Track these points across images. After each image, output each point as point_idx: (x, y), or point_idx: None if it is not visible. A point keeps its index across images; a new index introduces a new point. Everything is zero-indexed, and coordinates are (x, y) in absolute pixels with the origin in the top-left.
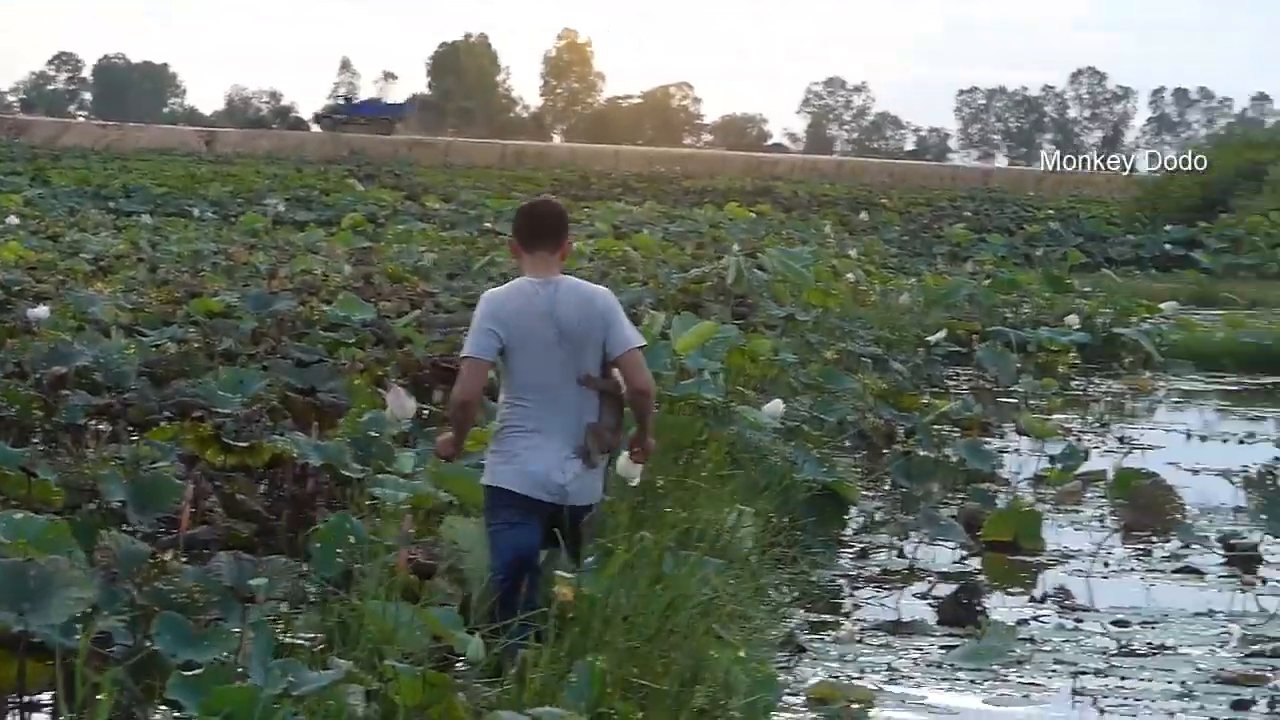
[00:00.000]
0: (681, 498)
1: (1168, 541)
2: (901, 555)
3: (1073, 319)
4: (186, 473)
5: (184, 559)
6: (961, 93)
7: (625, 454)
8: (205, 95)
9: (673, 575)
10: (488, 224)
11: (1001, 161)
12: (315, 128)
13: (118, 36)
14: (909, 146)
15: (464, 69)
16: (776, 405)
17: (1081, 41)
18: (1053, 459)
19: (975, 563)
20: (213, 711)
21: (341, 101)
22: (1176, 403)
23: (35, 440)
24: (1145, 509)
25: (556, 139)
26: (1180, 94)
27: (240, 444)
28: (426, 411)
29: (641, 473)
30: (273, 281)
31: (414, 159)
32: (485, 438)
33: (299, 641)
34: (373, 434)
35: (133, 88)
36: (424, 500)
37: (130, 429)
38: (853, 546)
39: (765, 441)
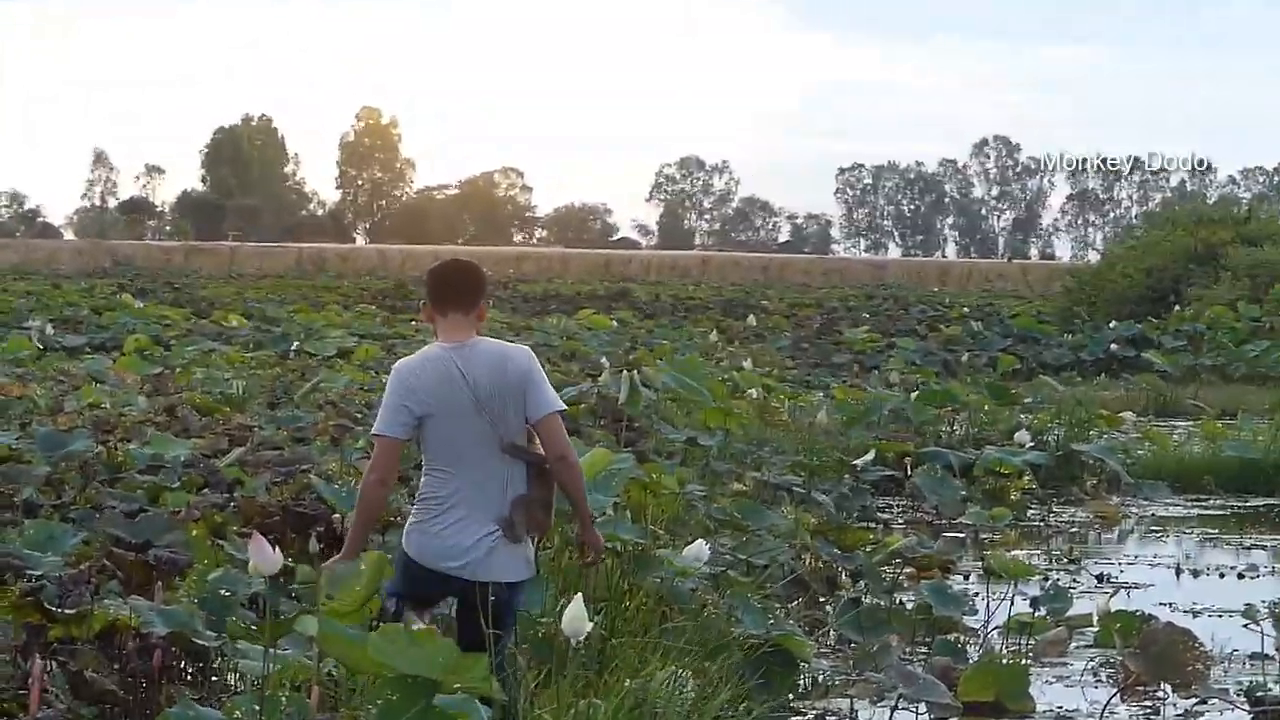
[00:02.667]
0: (609, 657)
1: (1181, 698)
2: None
3: (1022, 436)
4: (30, 645)
5: None
6: (843, 171)
7: (571, 608)
8: None
9: None
10: (297, 343)
11: (895, 251)
12: (69, 234)
13: None
14: (784, 237)
15: (245, 159)
16: (700, 547)
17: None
18: (1033, 602)
19: None
20: None
21: None
22: (1153, 531)
23: None
24: (1159, 660)
25: (360, 239)
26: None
27: (65, 611)
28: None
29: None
30: (59, 418)
31: (192, 268)
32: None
33: None
34: (225, 594)
35: None
36: (302, 673)
37: None
38: (805, 713)
39: (693, 590)
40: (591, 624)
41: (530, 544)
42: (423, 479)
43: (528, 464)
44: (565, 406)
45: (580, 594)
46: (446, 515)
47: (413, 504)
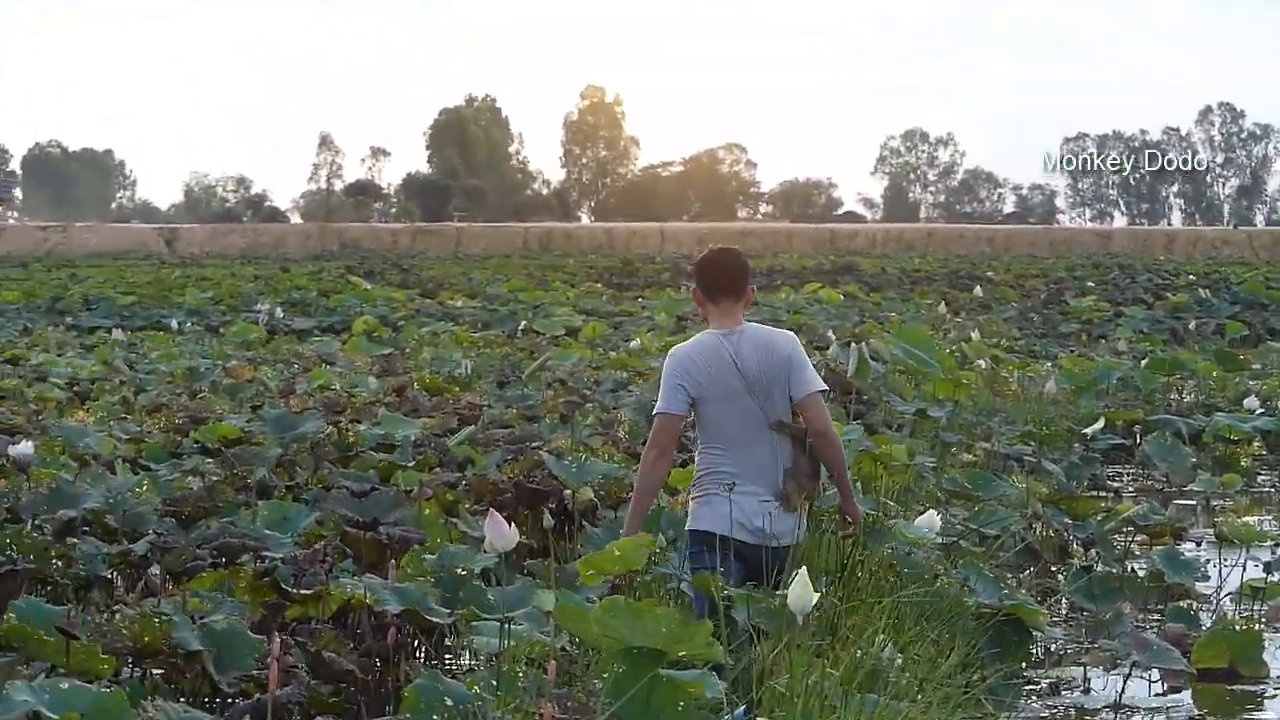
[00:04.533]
0: (843, 628)
1: None
2: (1088, 690)
3: (1251, 402)
4: (268, 624)
5: None
6: (1067, 140)
7: (795, 583)
8: (160, 185)
9: None
10: (524, 322)
11: (1120, 221)
12: (296, 218)
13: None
14: (1009, 208)
15: (469, 140)
16: (932, 518)
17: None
18: (1266, 568)
19: (1186, 695)
20: None
21: None
22: None
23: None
24: None
25: (584, 217)
26: None
27: (302, 591)
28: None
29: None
30: (290, 400)
31: (419, 250)
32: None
33: None
34: (459, 572)
35: (72, 180)
36: (533, 647)
37: (166, 579)
38: (1038, 682)
39: (926, 560)
40: (819, 595)
41: (802, 510)
42: (699, 457)
43: (793, 439)
44: (826, 387)
45: (805, 568)
46: (731, 489)
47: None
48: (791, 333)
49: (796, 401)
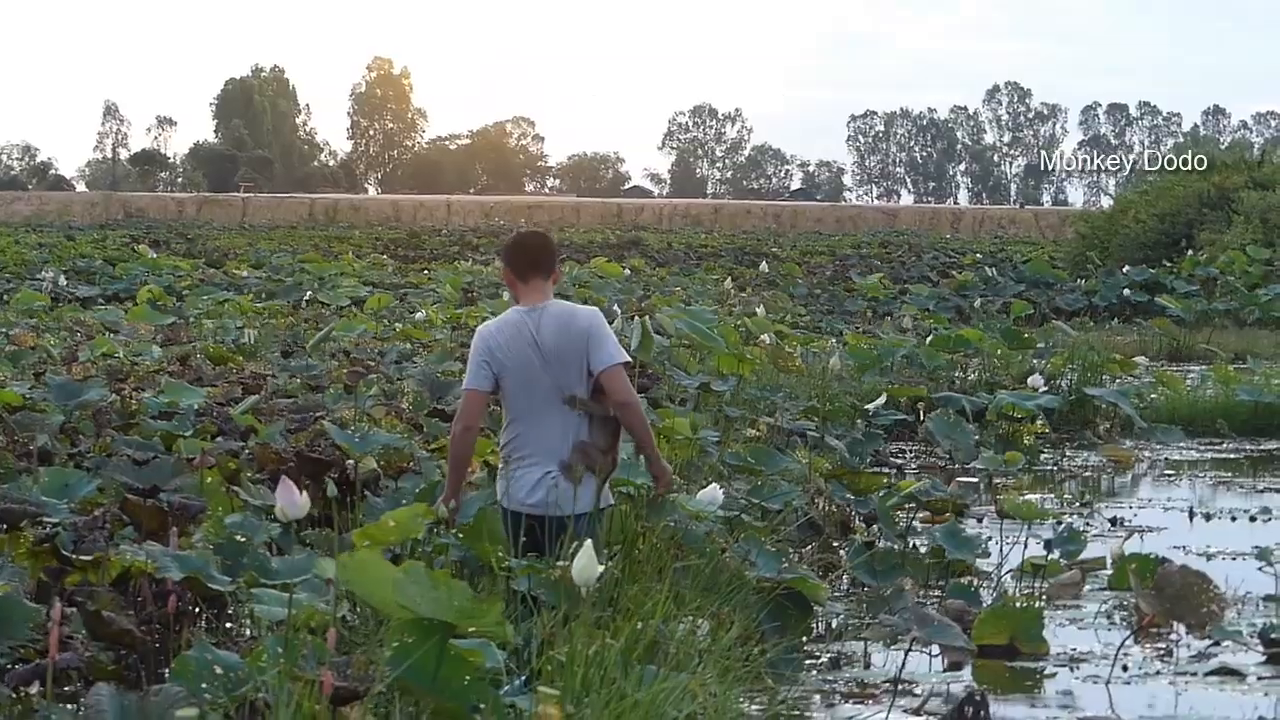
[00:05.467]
0: (624, 600)
1: (1194, 640)
2: (869, 665)
3: (1035, 380)
4: (48, 589)
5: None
6: (854, 118)
7: (579, 556)
8: None
9: (644, 694)
10: (310, 292)
11: (907, 199)
12: (81, 187)
13: None
14: (796, 185)
15: (256, 110)
16: (714, 491)
17: (994, 53)
18: (1047, 545)
19: (965, 671)
20: None
21: None
22: (1166, 475)
23: None
24: (1174, 602)
25: (371, 189)
26: (1117, 110)
27: (82, 557)
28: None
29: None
30: (73, 367)
31: (205, 220)
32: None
33: None
34: (239, 539)
35: None
36: (314, 615)
37: None
38: (818, 656)
39: (707, 534)
40: (603, 568)
41: (594, 482)
42: (502, 437)
43: (588, 413)
44: (628, 358)
45: (590, 541)
46: (519, 462)
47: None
48: (595, 308)
49: (597, 374)
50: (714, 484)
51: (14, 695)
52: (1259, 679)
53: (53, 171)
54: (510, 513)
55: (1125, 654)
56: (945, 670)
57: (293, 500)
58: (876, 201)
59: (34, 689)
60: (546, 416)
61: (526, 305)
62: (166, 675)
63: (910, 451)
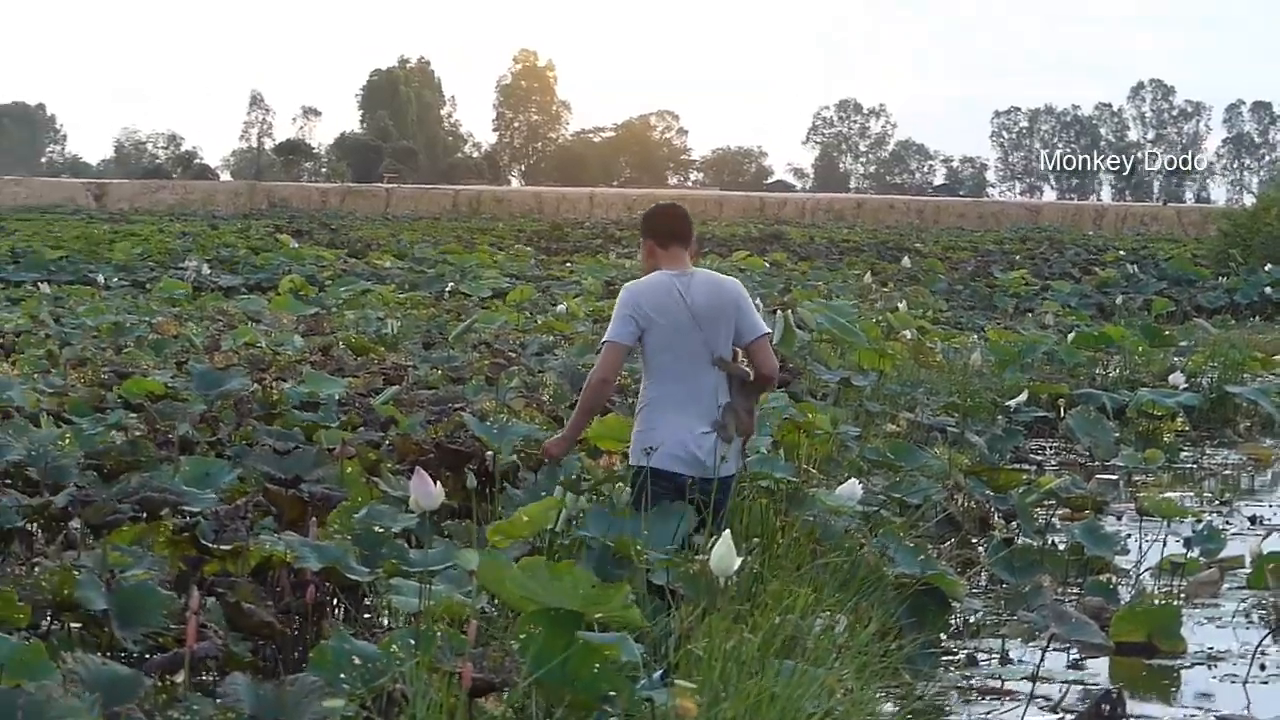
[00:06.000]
0: (763, 595)
1: None
2: (1006, 661)
3: (1176, 378)
4: (187, 578)
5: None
6: (998, 114)
7: (718, 546)
8: (90, 140)
9: (781, 687)
10: (452, 284)
11: (1050, 195)
12: (225, 176)
13: None
14: (939, 180)
15: (401, 101)
16: (853, 486)
17: (1138, 50)
18: (1186, 543)
19: (1102, 668)
20: None
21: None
22: None
23: None
24: None
25: (515, 181)
26: (1261, 108)
27: (221, 546)
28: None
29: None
30: (215, 357)
31: (348, 210)
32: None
33: None
34: (378, 529)
35: (2, 134)
36: (451, 607)
37: (87, 532)
38: (956, 652)
39: (846, 529)
40: (741, 560)
41: (739, 445)
42: (642, 390)
43: (730, 376)
44: (770, 330)
45: (728, 531)
46: (666, 419)
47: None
48: (738, 280)
49: (745, 343)
50: (853, 479)
51: (157, 684)
52: None
53: (197, 161)
54: (654, 470)
55: (1263, 653)
56: (1082, 667)
57: (427, 491)
58: (1019, 197)
59: (174, 678)
60: (694, 376)
61: (670, 270)
62: (304, 665)
63: (1050, 448)
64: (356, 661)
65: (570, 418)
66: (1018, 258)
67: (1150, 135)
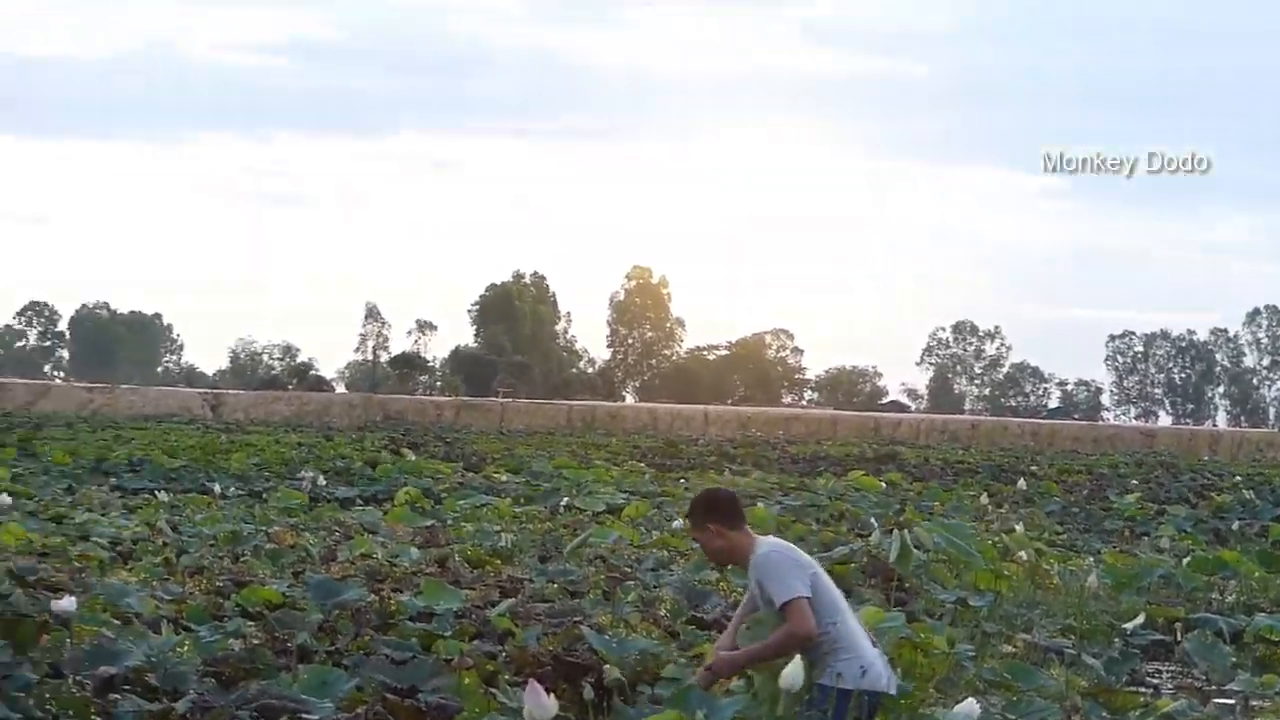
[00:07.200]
0: None
1: None
2: None
3: None
4: None
5: None
6: (1113, 338)
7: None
8: (207, 351)
9: None
10: (567, 498)
11: (1165, 420)
12: (341, 388)
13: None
14: (1053, 403)
15: (516, 316)
16: (971, 705)
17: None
18: None
19: None
20: None
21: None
22: None
23: None
24: None
25: (629, 397)
26: None
27: None
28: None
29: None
30: (332, 567)
31: (463, 424)
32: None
33: None
34: None
35: (119, 343)
36: None
37: None
38: None
39: None
40: None
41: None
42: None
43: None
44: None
45: None
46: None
47: None
48: (768, 549)
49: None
50: (970, 698)
51: None
52: None
53: (313, 372)
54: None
55: None
56: None
57: (541, 703)
58: (1134, 421)
59: None
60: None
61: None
62: None
63: (1166, 672)
64: None
65: (753, 650)
66: (1133, 481)
67: (1266, 361)
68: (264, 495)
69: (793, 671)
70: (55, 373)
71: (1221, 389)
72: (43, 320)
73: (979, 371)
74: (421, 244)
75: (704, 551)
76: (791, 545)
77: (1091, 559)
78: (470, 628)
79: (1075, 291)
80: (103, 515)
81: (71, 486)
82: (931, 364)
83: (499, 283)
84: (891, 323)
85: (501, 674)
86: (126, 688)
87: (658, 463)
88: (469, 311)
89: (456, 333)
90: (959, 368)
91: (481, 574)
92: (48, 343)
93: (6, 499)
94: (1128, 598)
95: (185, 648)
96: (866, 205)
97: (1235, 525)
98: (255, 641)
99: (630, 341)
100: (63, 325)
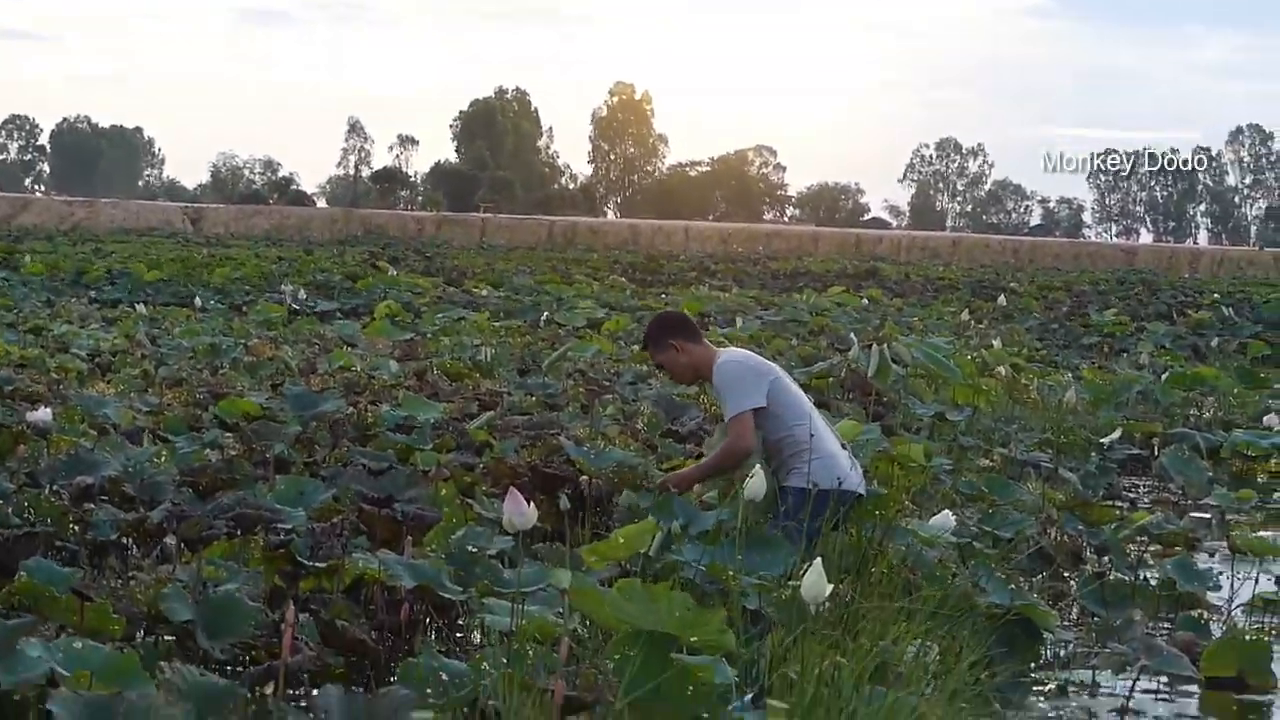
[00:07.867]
0: (855, 623)
1: None
2: (1097, 694)
3: (1271, 419)
4: (282, 593)
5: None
6: (1097, 156)
7: (809, 574)
8: (187, 165)
9: (874, 712)
10: (547, 313)
11: (1146, 238)
12: (322, 202)
13: (81, 98)
14: (1035, 220)
15: (498, 131)
16: (946, 518)
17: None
18: (1278, 581)
19: (1192, 703)
20: None
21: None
22: None
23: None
24: None
25: (610, 213)
26: None
27: (316, 564)
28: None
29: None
30: (310, 379)
31: (444, 239)
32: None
33: None
34: (472, 550)
35: (100, 157)
36: (543, 627)
37: (182, 547)
38: (1046, 683)
39: (938, 559)
40: (832, 587)
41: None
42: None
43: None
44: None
45: (820, 559)
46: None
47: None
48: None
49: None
50: (946, 510)
51: (249, 695)
52: None
53: (294, 187)
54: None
55: None
56: (1172, 700)
57: (520, 511)
58: (1115, 239)
59: (264, 690)
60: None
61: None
62: (394, 680)
63: (1143, 486)
64: (444, 677)
65: (702, 465)
66: (1113, 298)
67: (1248, 180)
68: (243, 309)
69: (755, 482)
70: (36, 186)
71: (1203, 207)
72: (23, 134)
73: (961, 189)
74: (404, 58)
75: (670, 373)
76: (749, 353)
77: (1070, 375)
78: (448, 440)
79: (1058, 109)
80: (81, 328)
81: (50, 299)
82: (914, 181)
83: (481, 98)
84: (875, 140)
85: (479, 485)
86: (103, 497)
87: (638, 278)
88: (451, 126)
89: (438, 148)
90: (941, 185)
91: (460, 387)
92: (28, 156)
93: None
94: (1105, 413)
95: (162, 458)
96: (857, 13)
97: (1214, 342)
98: (233, 452)
99: (613, 157)
100: (43, 139)
